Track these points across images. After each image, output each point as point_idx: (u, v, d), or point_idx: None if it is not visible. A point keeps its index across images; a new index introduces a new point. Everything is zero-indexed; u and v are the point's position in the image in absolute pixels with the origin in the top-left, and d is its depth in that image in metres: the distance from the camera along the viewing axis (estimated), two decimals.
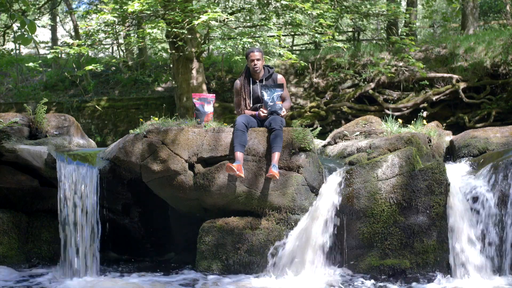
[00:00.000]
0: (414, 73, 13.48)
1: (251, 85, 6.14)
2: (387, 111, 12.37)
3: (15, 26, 14.95)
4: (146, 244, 6.73)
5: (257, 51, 6.12)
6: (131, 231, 6.69)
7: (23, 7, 14.15)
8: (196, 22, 10.28)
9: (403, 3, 19.31)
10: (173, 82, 14.18)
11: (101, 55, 20.80)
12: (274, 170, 5.48)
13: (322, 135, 8.36)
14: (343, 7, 13.74)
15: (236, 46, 11.57)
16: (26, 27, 4.40)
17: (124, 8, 10.93)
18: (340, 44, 12.89)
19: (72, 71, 16.43)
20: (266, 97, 5.96)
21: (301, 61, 12.25)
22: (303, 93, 14.78)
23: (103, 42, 14.33)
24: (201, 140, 5.81)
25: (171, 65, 14.67)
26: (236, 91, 6.25)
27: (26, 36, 4.55)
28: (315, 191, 5.73)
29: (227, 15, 11.27)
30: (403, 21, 15.78)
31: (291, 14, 11.78)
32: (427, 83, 13.47)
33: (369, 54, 14.55)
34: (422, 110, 10.69)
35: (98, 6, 14.47)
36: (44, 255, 6.33)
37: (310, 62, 14.60)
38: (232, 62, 15.31)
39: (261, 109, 5.99)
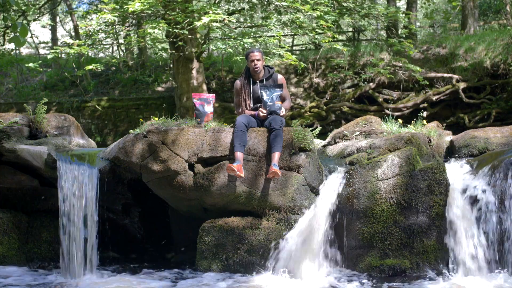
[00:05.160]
0: (414, 73, 13.48)
1: (251, 86, 6.14)
2: (387, 111, 12.40)
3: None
4: (146, 244, 6.73)
5: (257, 51, 6.12)
6: (131, 231, 6.69)
7: (23, 7, 14.14)
8: (197, 24, 10.27)
9: (402, 2, 19.27)
10: (173, 82, 14.18)
11: (101, 55, 20.80)
12: (275, 168, 5.48)
13: (322, 135, 8.35)
14: (343, 9, 13.71)
15: (237, 46, 11.57)
16: (18, 30, 4.41)
17: (124, 8, 10.92)
18: (340, 46, 12.87)
19: (72, 71, 16.43)
20: (265, 97, 5.97)
21: (301, 62, 12.25)
22: (303, 93, 14.79)
23: (103, 42, 14.33)
24: (201, 140, 5.81)
25: (171, 65, 14.68)
26: (236, 91, 6.25)
27: (19, 38, 4.56)
28: (315, 191, 5.73)
29: (227, 16, 11.26)
30: (403, 23, 15.78)
31: (292, 14, 11.77)
32: (427, 83, 13.48)
33: (369, 54, 14.55)
34: (422, 110, 10.67)
35: (98, 6, 14.47)
36: (44, 255, 6.32)
37: (310, 62, 14.60)
38: (232, 62, 15.30)
39: (260, 109, 5.99)
